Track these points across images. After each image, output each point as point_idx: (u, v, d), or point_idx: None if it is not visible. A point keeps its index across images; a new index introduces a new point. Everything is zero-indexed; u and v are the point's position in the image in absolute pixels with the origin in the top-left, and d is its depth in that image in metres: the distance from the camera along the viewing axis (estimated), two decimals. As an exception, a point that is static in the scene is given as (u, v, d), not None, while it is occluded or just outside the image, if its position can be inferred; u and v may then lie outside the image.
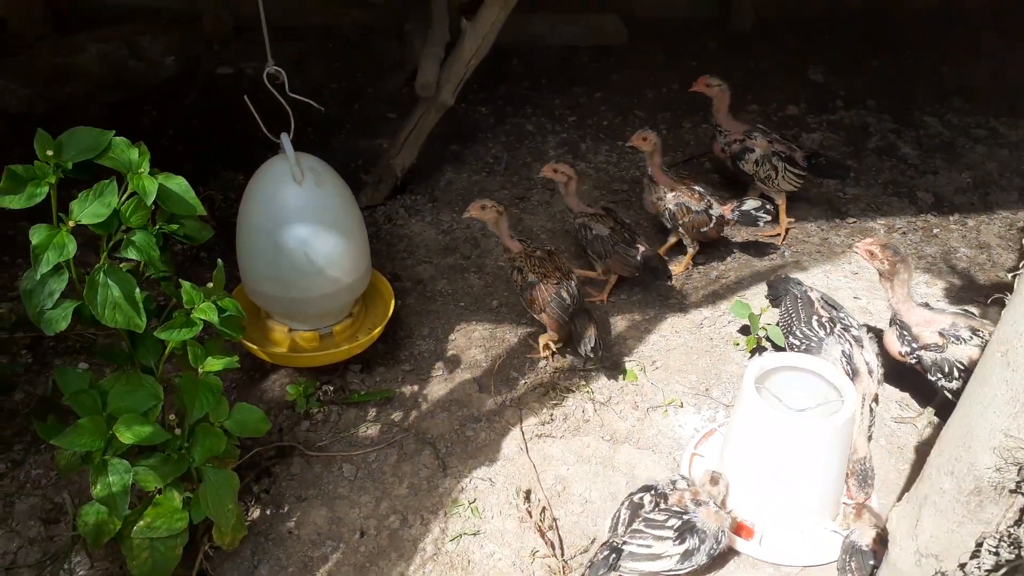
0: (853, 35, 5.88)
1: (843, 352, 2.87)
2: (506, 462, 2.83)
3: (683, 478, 2.58)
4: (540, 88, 5.32)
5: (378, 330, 3.05)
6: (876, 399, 2.93)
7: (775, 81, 5.38)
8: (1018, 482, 1.53)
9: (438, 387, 3.15)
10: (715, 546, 2.38)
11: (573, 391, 3.15)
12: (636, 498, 2.41)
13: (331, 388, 3.11)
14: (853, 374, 2.82)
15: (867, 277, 3.72)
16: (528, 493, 2.71)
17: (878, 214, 4.23)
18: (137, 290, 2.03)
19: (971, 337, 2.79)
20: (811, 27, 5.94)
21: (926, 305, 2.99)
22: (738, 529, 2.57)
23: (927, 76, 5.45)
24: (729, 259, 3.92)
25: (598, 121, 5.01)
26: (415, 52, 4.78)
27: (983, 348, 2.71)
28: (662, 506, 2.39)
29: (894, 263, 2.87)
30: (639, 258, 3.49)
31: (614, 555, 2.33)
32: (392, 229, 4.10)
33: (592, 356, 3.07)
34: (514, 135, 4.88)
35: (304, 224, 2.74)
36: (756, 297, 3.61)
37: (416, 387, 3.14)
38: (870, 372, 2.86)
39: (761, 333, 3.30)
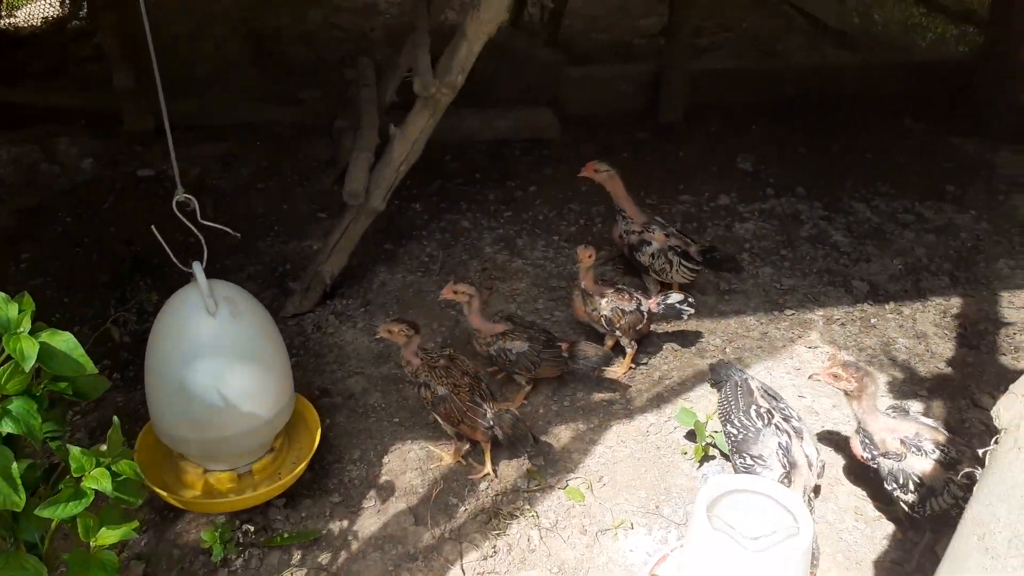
0: (779, 123, 6.03)
1: (780, 444, 2.79)
2: (445, 609, 2.61)
3: None
4: (474, 183, 5.26)
5: (301, 467, 2.82)
6: (816, 491, 2.84)
7: (706, 170, 5.43)
8: None
9: (370, 521, 2.92)
10: None
11: (517, 516, 2.96)
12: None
13: (251, 528, 2.84)
14: (791, 466, 2.74)
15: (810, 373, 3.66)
16: (470, 647, 2.49)
17: (816, 304, 4.22)
18: (14, 464, 1.78)
19: (933, 451, 2.70)
20: (738, 116, 6.07)
21: (904, 412, 2.93)
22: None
23: (852, 162, 5.58)
24: (671, 358, 3.83)
25: (534, 215, 4.96)
26: (345, 149, 4.68)
27: (943, 464, 2.65)
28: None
29: (860, 379, 2.80)
30: (577, 354, 3.44)
31: None
32: (321, 338, 3.90)
33: (533, 448, 3.08)
34: (449, 232, 4.78)
35: (218, 358, 2.54)
36: (701, 399, 3.51)
37: (346, 522, 2.90)
38: (810, 465, 2.78)
39: (708, 440, 3.20)
